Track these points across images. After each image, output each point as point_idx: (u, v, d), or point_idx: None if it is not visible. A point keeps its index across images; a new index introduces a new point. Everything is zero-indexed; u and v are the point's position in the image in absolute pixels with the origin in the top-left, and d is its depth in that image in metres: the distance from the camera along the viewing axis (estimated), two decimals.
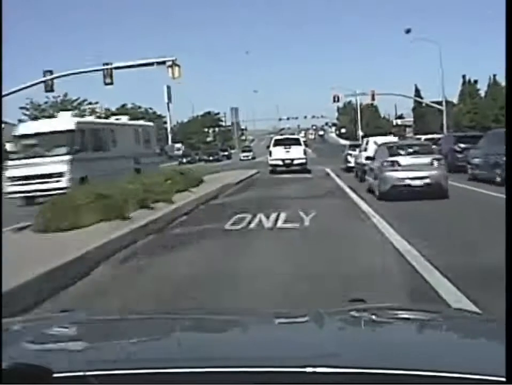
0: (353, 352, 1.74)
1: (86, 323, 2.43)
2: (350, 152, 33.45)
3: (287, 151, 34.64)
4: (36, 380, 1.44)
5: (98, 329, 2.35)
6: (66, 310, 2.79)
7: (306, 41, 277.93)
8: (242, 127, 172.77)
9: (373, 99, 64.88)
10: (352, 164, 30.68)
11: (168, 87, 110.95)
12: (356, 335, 2.13)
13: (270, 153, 35.56)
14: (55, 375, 1.48)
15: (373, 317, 2.36)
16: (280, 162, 34.74)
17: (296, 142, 35.95)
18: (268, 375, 1.51)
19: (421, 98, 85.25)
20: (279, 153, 34.74)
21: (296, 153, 34.57)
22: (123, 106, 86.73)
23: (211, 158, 78.16)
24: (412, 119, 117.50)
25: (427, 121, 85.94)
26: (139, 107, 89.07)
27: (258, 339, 2.05)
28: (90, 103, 72.75)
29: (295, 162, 34.61)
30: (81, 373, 1.51)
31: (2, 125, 34.54)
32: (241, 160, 74.39)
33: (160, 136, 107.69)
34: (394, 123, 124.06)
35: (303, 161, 34.88)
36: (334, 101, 65.57)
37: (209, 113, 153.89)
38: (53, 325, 2.30)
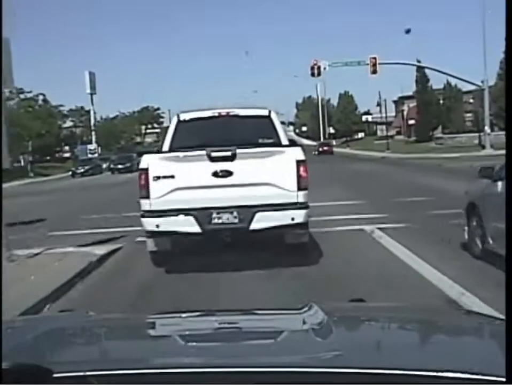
0: (353, 352, 1.71)
1: (86, 323, 2.40)
2: None
3: (222, 173, 8.02)
4: (36, 380, 1.44)
5: (97, 329, 2.33)
6: (65, 310, 2.91)
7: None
8: None
9: (374, 71, 40.32)
10: None
11: (91, 74, 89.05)
12: (356, 335, 2.10)
13: (146, 186, 8.11)
14: (55, 375, 1.47)
15: (373, 317, 2.34)
16: (190, 227, 7.97)
17: (267, 130, 8.97)
18: (268, 375, 1.50)
19: (427, 77, 61.08)
20: (183, 185, 8.03)
21: (269, 179, 7.98)
22: None
23: (119, 166, 52.88)
24: (393, 114, 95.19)
25: (435, 111, 61.51)
26: (20, 91, 61.66)
27: (257, 340, 2.01)
28: None
29: (260, 222, 7.99)
30: (81, 373, 1.50)
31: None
32: None
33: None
34: (364, 119, 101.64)
35: (300, 216, 8.09)
36: (312, 74, 40.92)
37: (146, 108, 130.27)
38: (53, 325, 2.29)
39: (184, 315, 2.65)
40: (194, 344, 1.97)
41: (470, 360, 1.65)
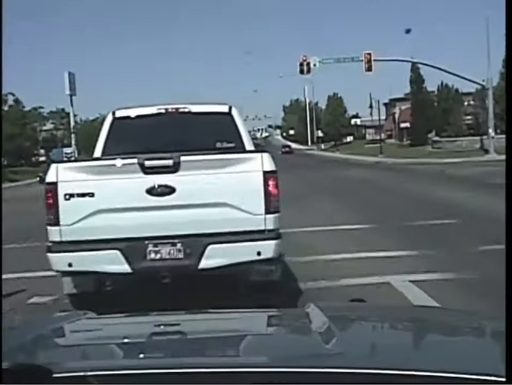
0: (352, 352, 1.71)
1: (86, 323, 2.40)
2: None
3: (160, 190, 6.08)
4: (36, 381, 1.44)
5: (97, 329, 2.34)
6: (65, 310, 2.85)
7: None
8: None
9: (369, 68, 36.93)
10: None
11: (71, 75, 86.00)
12: (356, 335, 2.09)
13: (54, 207, 6.12)
14: (55, 375, 1.47)
15: (372, 317, 2.34)
16: (116, 265, 6.19)
17: (227, 131, 7.30)
18: (265, 375, 1.50)
19: (422, 77, 58.03)
20: (106, 207, 6.10)
21: (225, 198, 6.12)
22: None
23: None
24: (384, 117, 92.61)
25: (431, 114, 58.30)
26: None
27: (257, 339, 2.01)
28: None
29: (213, 258, 6.20)
30: (81, 373, 1.50)
31: None
32: None
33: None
34: (353, 123, 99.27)
35: (269, 250, 6.10)
36: (301, 71, 37.51)
37: None
38: (53, 325, 2.28)
39: (184, 314, 2.63)
40: (195, 344, 1.95)
41: (470, 360, 1.62)
